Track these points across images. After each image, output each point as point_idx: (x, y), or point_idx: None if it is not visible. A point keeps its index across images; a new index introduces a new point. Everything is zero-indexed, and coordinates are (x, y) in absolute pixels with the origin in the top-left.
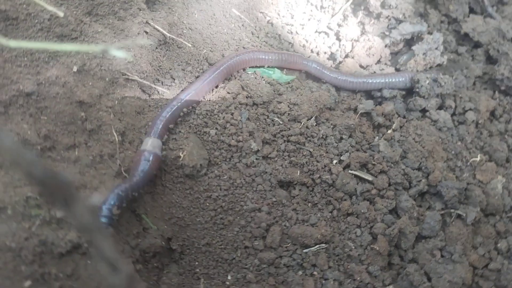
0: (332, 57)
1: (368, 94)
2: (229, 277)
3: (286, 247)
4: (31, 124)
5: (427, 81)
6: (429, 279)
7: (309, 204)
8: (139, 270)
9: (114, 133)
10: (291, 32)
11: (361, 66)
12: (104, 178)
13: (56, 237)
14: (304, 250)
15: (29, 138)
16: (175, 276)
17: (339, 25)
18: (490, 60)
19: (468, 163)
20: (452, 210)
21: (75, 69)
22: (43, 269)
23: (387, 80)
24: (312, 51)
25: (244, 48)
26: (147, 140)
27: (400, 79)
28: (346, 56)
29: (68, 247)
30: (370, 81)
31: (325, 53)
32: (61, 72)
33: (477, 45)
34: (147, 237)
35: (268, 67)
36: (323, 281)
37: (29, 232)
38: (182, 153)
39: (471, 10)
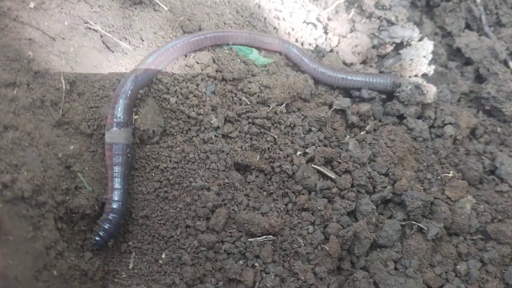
0: (316, 49)
1: (347, 92)
2: (163, 256)
3: (230, 232)
4: None
5: (409, 87)
6: None
7: (264, 193)
8: (61, 229)
9: (63, 80)
10: (278, 18)
11: (344, 63)
12: (41, 124)
13: None
14: (249, 239)
15: None
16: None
17: (329, 19)
18: (479, 79)
19: (439, 177)
20: (414, 222)
21: (32, 5)
22: None
23: (366, 80)
24: (296, 40)
25: (225, 23)
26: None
27: (381, 81)
28: (331, 50)
29: None
30: (349, 78)
31: (309, 44)
32: (15, 4)
33: (468, 62)
34: (78, 196)
35: (246, 45)
36: (264, 275)
37: None
38: (135, 115)
39: (467, 26)
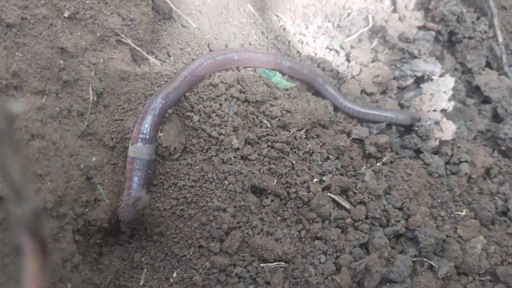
0: (337, 76)
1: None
2: (174, 274)
3: (243, 256)
4: (3, 57)
5: (428, 122)
6: None
7: (278, 218)
8: (78, 241)
9: (90, 92)
10: (302, 42)
11: (364, 92)
12: (66, 134)
13: None
14: (261, 264)
15: None
16: (117, 259)
17: (352, 47)
18: (496, 118)
19: (452, 215)
20: (425, 259)
21: (66, 14)
22: None
23: (367, 112)
24: (318, 66)
25: (250, 44)
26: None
27: (386, 115)
28: (352, 78)
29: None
30: (352, 107)
31: (331, 70)
32: (51, 13)
33: (486, 100)
34: (97, 209)
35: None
36: None
37: None
38: (160, 132)
39: (488, 64)
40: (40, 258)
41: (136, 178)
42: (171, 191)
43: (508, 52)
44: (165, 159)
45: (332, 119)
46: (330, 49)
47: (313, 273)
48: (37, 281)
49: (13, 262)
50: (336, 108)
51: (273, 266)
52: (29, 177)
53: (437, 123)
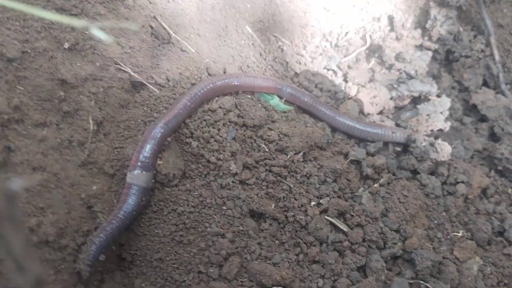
0: (335, 96)
1: (362, 142)
2: None
3: (241, 281)
4: (4, 91)
5: (423, 144)
6: None
7: (277, 242)
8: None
9: (91, 121)
10: (300, 63)
11: (361, 112)
12: (67, 165)
13: None
14: None
15: None
16: (118, 285)
17: (349, 67)
18: (493, 137)
19: (448, 237)
20: (422, 282)
21: (66, 45)
22: None
23: (363, 128)
24: (316, 86)
25: (248, 66)
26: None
27: (379, 132)
28: (349, 98)
29: None
30: (347, 122)
31: (328, 91)
32: (51, 45)
33: (483, 119)
34: None
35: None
36: None
37: None
38: (159, 160)
39: (485, 83)
40: None
41: (130, 201)
42: (170, 217)
43: (505, 70)
44: (164, 185)
45: (329, 141)
46: (328, 69)
47: None
48: None
49: None
50: (334, 129)
51: None
52: (30, 250)
53: (432, 144)
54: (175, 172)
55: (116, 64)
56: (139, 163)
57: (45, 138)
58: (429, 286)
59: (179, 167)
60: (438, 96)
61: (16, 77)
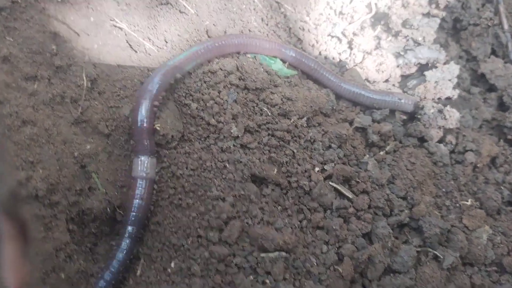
0: (340, 64)
1: (368, 109)
2: (172, 265)
3: (242, 246)
4: None
5: (432, 110)
6: None
7: (279, 207)
8: (72, 231)
9: (84, 77)
10: (303, 29)
11: (367, 80)
12: (59, 121)
13: None
14: (262, 254)
15: None
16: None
17: (354, 34)
18: (502, 106)
19: (457, 205)
20: (430, 250)
21: None
22: None
23: (370, 95)
24: (320, 53)
25: (250, 31)
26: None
27: (386, 99)
28: (355, 65)
29: None
30: (352, 89)
31: (333, 58)
32: None
33: (491, 88)
34: (91, 197)
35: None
36: None
37: None
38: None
39: (493, 52)
40: (20, 243)
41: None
42: (169, 180)
43: None
44: (163, 147)
45: (334, 108)
46: (332, 37)
47: (315, 263)
48: (18, 267)
49: None
50: (338, 96)
51: (273, 256)
52: (5, 158)
53: (440, 111)
54: (173, 134)
55: (111, 20)
56: None
57: (36, 92)
58: (438, 253)
59: (178, 129)
60: (446, 63)
61: (5, 27)
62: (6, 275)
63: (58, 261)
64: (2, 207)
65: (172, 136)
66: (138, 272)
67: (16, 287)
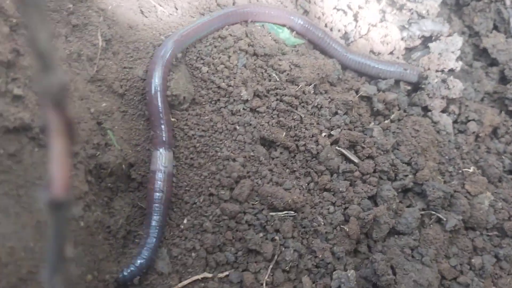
0: (345, 36)
1: (373, 79)
2: (185, 221)
3: (252, 204)
4: None
5: (435, 80)
6: (394, 273)
7: (287, 170)
8: (90, 182)
9: (99, 37)
10: (309, 1)
11: (372, 51)
12: (76, 78)
13: (7, 110)
14: (271, 213)
15: (5, 7)
16: (127, 205)
17: (360, 7)
18: (504, 80)
19: (460, 171)
20: (433, 212)
21: None
22: None
23: (375, 65)
24: (326, 25)
25: (257, 1)
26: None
27: (391, 69)
28: (360, 37)
29: (16, 124)
30: (358, 59)
31: (339, 30)
32: None
33: (493, 63)
34: (107, 153)
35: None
36: (283, 249)
37: None
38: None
39: (495, 27)
40: (66, 139)
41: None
42: (181, 141)
43: None
44: (175, 108)
45: (340, 77)
46: (338, 9)
47: (322, 223)
48: (63, 163)
49: (26, 194)
50: (345, 67)
51: (282, 215)
52: (55, 48)
53: (444, 80)
54: (185, 95)
55: None
56: None
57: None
58: (441, 216)
59: (189, 91)
60: (450, 36)
61: None
62: (54, 168)
63: (78, 209)
64: (52, 101)
65: (184, 98)
66: None
67: (60, 184)
